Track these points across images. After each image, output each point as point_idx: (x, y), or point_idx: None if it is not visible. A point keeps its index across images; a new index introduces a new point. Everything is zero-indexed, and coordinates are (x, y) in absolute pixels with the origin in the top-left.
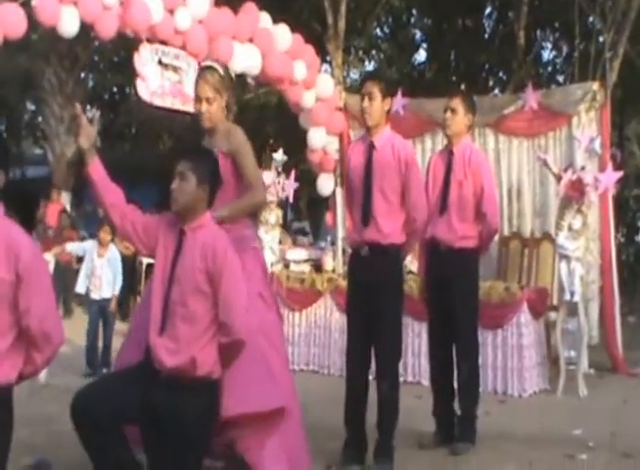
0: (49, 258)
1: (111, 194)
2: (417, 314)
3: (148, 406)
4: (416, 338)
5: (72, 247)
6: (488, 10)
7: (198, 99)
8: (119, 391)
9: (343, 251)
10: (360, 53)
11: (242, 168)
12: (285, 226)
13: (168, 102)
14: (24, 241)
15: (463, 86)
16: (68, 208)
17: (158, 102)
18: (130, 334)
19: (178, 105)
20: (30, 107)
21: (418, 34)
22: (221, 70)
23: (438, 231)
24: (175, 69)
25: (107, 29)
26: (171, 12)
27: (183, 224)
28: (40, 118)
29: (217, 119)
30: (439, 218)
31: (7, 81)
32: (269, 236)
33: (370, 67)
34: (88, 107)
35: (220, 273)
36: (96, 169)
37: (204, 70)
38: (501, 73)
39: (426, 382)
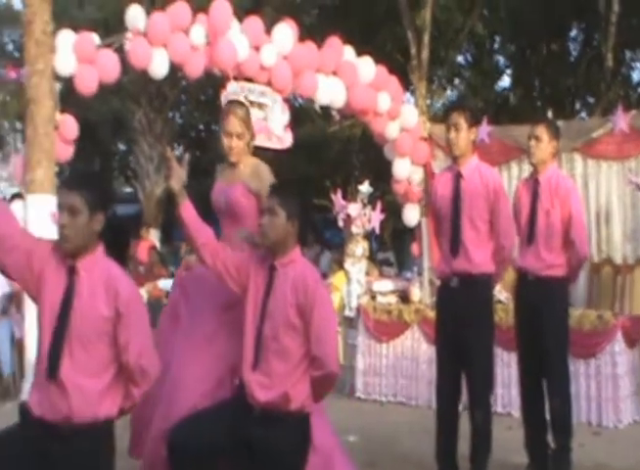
0: (142, 293)
1: (202, 233)
2: (506, 344)
3: (242, 441)
4: (505, 368)
5: (164, 283)
6: (574, 33)
7: (228, 134)
8: (215, 425)
9: (430, 281)
10: (443, 82)
11: None
12: (371, 258)
13: None
14: (123, 278)
15: (549, 111)
16: (158, 244)
17: None
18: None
19: (263, 141)
20: (121, 147)
21: (501, 61)
22: (246, 104)
23: (526, 261)
24: (260, 105)
25: (195, 69)
26: (257, 49)
27: (274, 260)
28: (131, 158)
29: (243, 154)
30: (527, 248)
31: (100, 123)
32: (356, 268)
33: (453, 95)
34: (175, 145)
35: (312, 307)
36: (187, 210)
37: (233, 105)
38: (588, 97)
39: (516, 413)
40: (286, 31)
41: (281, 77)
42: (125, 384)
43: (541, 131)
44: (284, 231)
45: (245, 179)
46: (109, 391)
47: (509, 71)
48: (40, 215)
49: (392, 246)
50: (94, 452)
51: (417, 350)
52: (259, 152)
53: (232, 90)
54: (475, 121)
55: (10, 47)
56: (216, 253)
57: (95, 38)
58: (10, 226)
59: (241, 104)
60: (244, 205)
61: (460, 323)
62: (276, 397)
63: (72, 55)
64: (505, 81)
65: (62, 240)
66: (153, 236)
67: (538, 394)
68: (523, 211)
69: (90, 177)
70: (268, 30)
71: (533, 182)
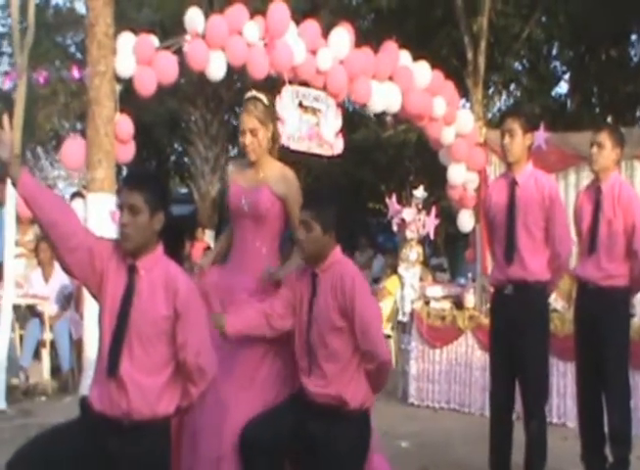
0: None
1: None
2: (562, 354)
3: (304, 438)
4: (561, 378)
5: None
6: (634, 38)
7: (242, 132)
8: (280, 422)
9: (483, 288)
10: (499, 87)
11: (293, 217)
12: (425, 263)
13: (305, 145)
14: (182, 277)
15: (608, 118)
16: (212, 245)
17: (294, 146)
18: None
19: (314, 148)
20: (177, 147)
21: (559, 66)
22: (265, 100)
23: (587, 270)
24: (314, 111)
25: (258, 69)
26: (313, 52)
27: (314, 268)
28: (186, 159)
29: (262, 152)
30: (588, 257)
31: (157, 124)
32: (410, 273)
33: (510, 101)
34: (230, 147)
35: (352, 304)
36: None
37: (247, 102)
38: None
39: (571, 424)
40: (342, 36)
41: (336, 82)
42: (183, 383)
43: (604, 138)
44: (321, 244)
45: (271, 184)
46: (167, 389)
47: (566, 77)
48: (100, 214)
49: (445, 252)
50: (151, 449)
51: (470, 356)
52: (312, 158)
53: (286, 95)
54: (530, 127)
55: (72, 49)
56: (272, 323)
57: (154, 40)
58: (73, 225)
59: (256, 99)
60: (270, 210)
61: (514, 331)
62: (333, 397)
63: (132, 57)
64: (562, 87)
65: (123, 239)
66: (208, 237)
67: (597, 406)
68: (584, 220)
69: (150, 177)
70: (325, 34)
71: (595, 190)
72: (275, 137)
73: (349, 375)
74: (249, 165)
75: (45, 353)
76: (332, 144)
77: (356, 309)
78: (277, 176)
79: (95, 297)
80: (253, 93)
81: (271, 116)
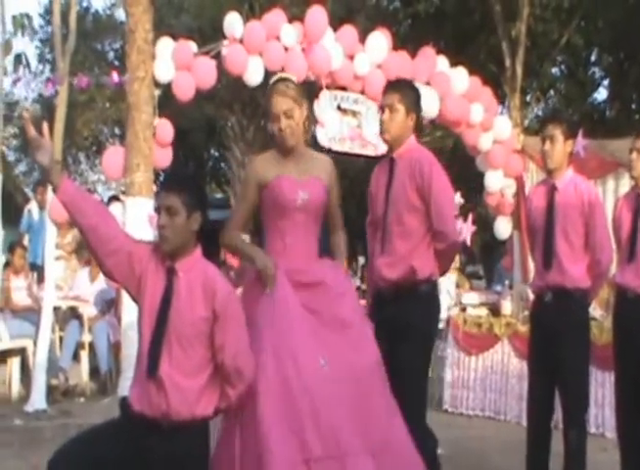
0: None
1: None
2: (600, 363)
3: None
4: (599, 387)
5: None
6: None
7: (274, 117)
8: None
9: (521, 296)
10: (537, 93)
11: (333, 207)
12: (461, 270)
13: (347, 146)
14: (220, 279)
15: None
16: None
17: (336, 147)
18: None
19: (357, 149)
20: (214, 153)
21: (597, 73)
22: (295, 80)
23: (626, 278)
24: (354, 113)
25: (296, 75)
26: (351, 58)
27: (392, 153)
28: (223, 164)
29: (299, 135)
30: (628, 265)
31: (193, 129)
32: (446, 280)
33: (547, 107)
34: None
35: (429, 186)
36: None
37: (276, 83)
38: None
39: (610, 434)
40: (380, 40)
41: (374, 86)
42: (221, 384)
43: None
44: (404, 124)
45: (318, 174)
46: (205, 390)
47: (605, 84)
48: (138, 218)
49: (481, 259)
50: (189, 450)
51: (507, 364)
52: (353, 159)
53: (324, 99)
54: (571, 134)
55: (111, 55)
56: None
57: (192, 46)
58: (112, 229)
59: (285, 79)
60: (325, 203)
61: (554, 339)
62: (403, 271)
63: (171, 62)
64: (601, 94)
65: (161, 241)
66: None
67: (636, 416)
68: (623, 227)
69: (187, 179)
70: (361, 39)
71: (635, 197)
72: (308, 122)
73: (419, 251)
74: (283, 156)
75: (84, 355)
76: (375, 144)
77: (433, 190)
78: (320, 166)
79: (135, 299)
80: (281, 74)
81: (303, 95)
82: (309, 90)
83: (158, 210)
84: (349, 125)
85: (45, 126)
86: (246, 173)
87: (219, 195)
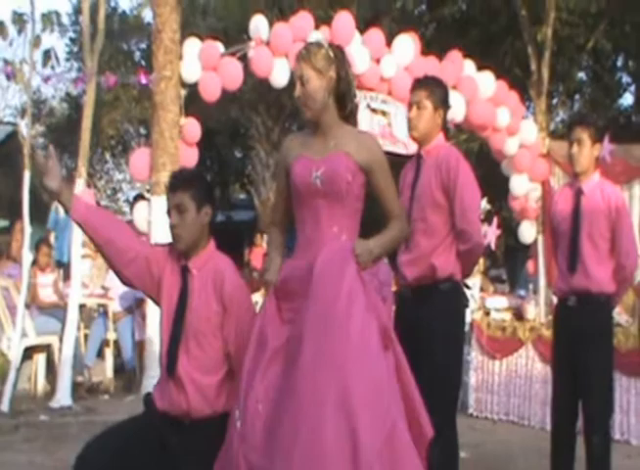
0: (257, 298)
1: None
2: (625, 369)
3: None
4: (624, 393)
5: None
6: None
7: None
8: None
9: (547, 301)
10: (563, 98)
11: (382, 192)
12: (486, 273)
13: None
14: (229, 272)
15: None
16: None
17: None
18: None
19: (388, 146)
20: (238, 154)
21: (624, 78)
22: (330, 50)
23: None
24: (384, 113)
25: None
26: (377, 61)
27: (420, 149)
28: (247, 165)
29: (319, 108)
30: None
31: (218, 130)
32: (470, 282)
33: (573, 111)
34: None
35: (454, 184)
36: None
37: (303, 50)
38: None
39: (635, 441)
40: (406, 43)
41: (401, 88)
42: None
43: None
44: (432, 121)
45: (349, 150)
46: (224, 385)
47: (632, 89)
48: (164, 217)
49: (505, 263)
50: (212, 446)
51: (531, 368)
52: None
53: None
54: (599, 138)
55: (137, 55)
56: None
57: (219, 47)
58: (127, 239)
59: (313, 45)
60: (352, 183)
61: (578, 343)
62: (424, 269)
63: (198, 62)
64: (627, 99)
65: (175, 240)
66: (266, 243)
67: None
68: None
69: (191, 175)
70: (388, 43)
71: None
72: (342, 93)
73: (441, 250)
74: (313, 133)
75: (109, 353)
76: (406, 143)
77: (458, 188)
78: (355, 142)
79: (156, 303)
80: (314, 40)
81: (335, 64)
82: None
83: (168, 212)
84: (380, 124)
85: (51, 149)
86: (276, 158)
87: (243, 196)
